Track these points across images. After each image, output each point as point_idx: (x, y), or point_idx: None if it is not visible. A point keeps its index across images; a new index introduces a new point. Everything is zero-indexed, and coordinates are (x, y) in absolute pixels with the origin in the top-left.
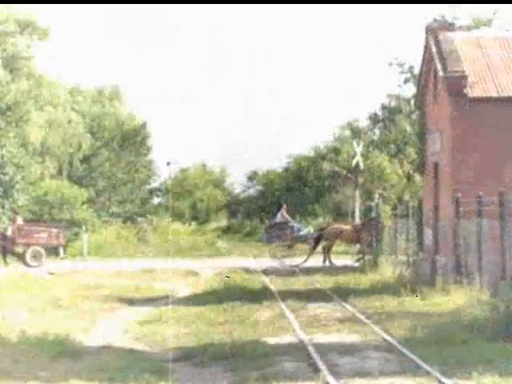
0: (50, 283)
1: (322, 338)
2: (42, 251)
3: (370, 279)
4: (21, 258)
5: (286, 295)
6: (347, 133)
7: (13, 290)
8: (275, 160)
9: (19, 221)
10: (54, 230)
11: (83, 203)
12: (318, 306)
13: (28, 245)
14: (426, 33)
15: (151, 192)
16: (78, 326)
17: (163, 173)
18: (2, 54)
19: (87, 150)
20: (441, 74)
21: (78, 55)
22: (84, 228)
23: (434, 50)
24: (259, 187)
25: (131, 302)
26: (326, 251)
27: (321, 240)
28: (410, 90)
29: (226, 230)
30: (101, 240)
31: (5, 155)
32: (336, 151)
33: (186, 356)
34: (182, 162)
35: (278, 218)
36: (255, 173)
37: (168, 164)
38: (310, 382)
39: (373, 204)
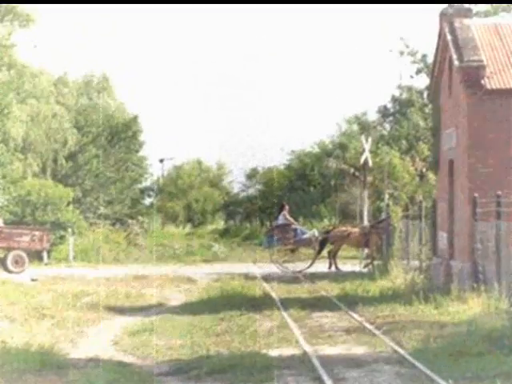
0: (33, 290)
1: (327, 349)
2: (25, 256)
3: (379, 286)
4: (1, 263)
5: (288, 303)
6: (355, 127)
7: None
8: (277, 157)
9: None
10: (38, 233)
11: (69, 204)
12: (324, 315)
13: (9, 249)
14: (441, 19)
15: (142, 192)
16: (63, 336)
17: (156, 171)
18: None
19: (73, 146)
20: (456, 63)
21: (64, 44)
22: (70, 231)
23: (449, 37)
24: (259, 186)
25: (120, 310)
26: (332, 256)
27: (326, 244)
28: (422, 81)
29: (224, 233)
30: (88, 244)
31: None
32: (343, 147)
33: (180, 370)
34: (176, 158)
35: (280, 219)
36: (255, 171)
37: (161, 161)
38: None
39: (382, 205)
